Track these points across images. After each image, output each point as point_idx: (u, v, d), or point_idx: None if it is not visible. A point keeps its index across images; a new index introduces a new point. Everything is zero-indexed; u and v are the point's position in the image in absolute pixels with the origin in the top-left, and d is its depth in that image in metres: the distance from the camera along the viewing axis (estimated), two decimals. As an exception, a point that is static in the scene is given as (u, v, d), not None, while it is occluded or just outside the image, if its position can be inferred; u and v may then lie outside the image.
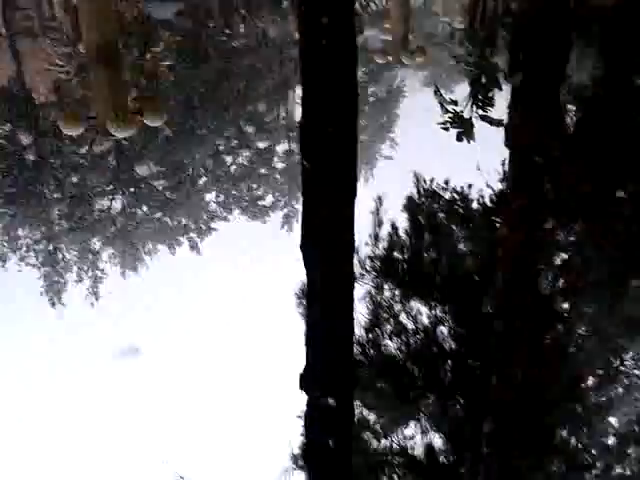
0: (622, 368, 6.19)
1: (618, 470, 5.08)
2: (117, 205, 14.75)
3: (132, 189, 14.37)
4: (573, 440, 5.44)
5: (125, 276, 14.98)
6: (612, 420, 5.77)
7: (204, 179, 13.35)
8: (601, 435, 5.52)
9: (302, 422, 3.67)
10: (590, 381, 6.00)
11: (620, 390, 6.15)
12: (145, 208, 14.34)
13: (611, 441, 5.45)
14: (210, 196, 14.05)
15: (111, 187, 14.75)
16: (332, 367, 3.50)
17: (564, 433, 5.36)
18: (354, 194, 4.01)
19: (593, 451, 5.36)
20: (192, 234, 14.06)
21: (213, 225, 13.95)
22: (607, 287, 6.28)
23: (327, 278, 3.72)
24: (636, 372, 6.33)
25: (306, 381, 3.56)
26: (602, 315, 6.26)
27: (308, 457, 3.52)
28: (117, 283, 14.70)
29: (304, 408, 3.73)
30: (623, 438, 5.23)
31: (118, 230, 14.81)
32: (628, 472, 4.99)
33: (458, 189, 7.32)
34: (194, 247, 14.30)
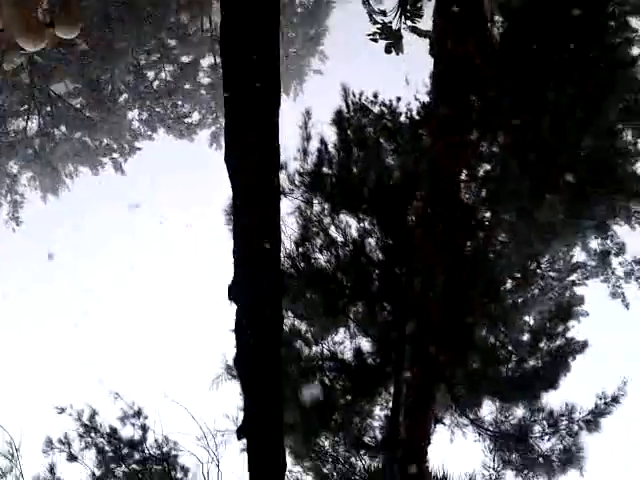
0: (538, 271, 6.55)
1: (531, 363, 5.48)
2: (33, 126, 13.91)
3: (48, 108, 13.53)
4: (492, 339, 5.80)
5: (46, 200, 14.39)
6: (527, 319, 6.17)
7: (125, 96, 12.69)
8: (517, 332, 5.90)
9: (233, 332, 3.70)
10: (508, 284, 6.34)
11: (536, 291, 6.55)
12: (63, 128, 13.58)
13: (526, 337, 5.85)
14: (132, 114, 13.44)
15: (25, 107, 13.83)
16: (259, 277, 3.52)
17: (483, 332, 5.70)
18: (278, 102, 3.90)
19: (509, 347, 5.73)
20: (115, 154, 13.51)
21: (137, 144, 13.45)
22: (526, 196, 6.51)
23: (252, 189, 3.67)
24: (551, 274, 6.73)
25: (234, 292, 3.57)
26: (521, 223, 6.51)
27: (239, 364, 3.59)
28: (39, 207, 14.12)
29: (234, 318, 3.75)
30: (536, 334, 5.60)
31: (36, 152, 14.05)
32: (540, 364, 5.39)
33: (387, 102, 7.27)
34: (118, 168, 13.80)
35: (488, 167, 6.92)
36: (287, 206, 6.39)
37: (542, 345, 5.58)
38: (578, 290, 6.45)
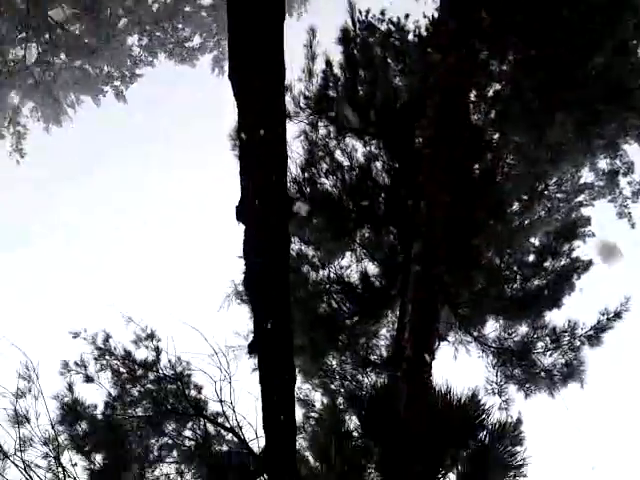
0: (545, 192, 6.51)
1: (536, 282, 5.54)
2: (32, 54, 13.60)
3: (47, 36, 13.17)
4: (497, 260, 5.83)
5: (49, 131, 14.26)
6: (533, 240, 6.19)
7: (124, 21, 12.31)
8: (522, 253, 5.93)
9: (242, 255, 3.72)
10: (515, 205, 6.32)
11: (542, 213, 6.54)
12: (63, 56, 13.27)
13: (531, 258, 5.88)
14: (132, 39, 13.07)
15: (23, 35, 13.46)
16: (265, 198, 3.50)
17: (489, 254, 5.73)
18: (282, 16, 3.76)
19: (514, 268, 5.78)
20: (116, 82, 13.26)
21: (138, 71, 13.16)
22: (536, 115, 6.38)
23: (257, 109, 3.60)
24: (558, 195, 6.69)
25: (241, 213, 3.56)
26: (530, 143, 6.41)
27: (248, 286, 3.65)
28: (42, 138, 14.01)
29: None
30: (541, 254, 5.63)
31: (36, 82, 13.81)
32: (544, 283, 5.45)
33: (394, 20, 7.02)
34: (119, 95, 13.57)
35: (498, 86, 6.75)
36: (292, 130, 6.31)
37: (547, 265, 5.61)
38: (585, 211, 6.43)
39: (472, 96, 6.61)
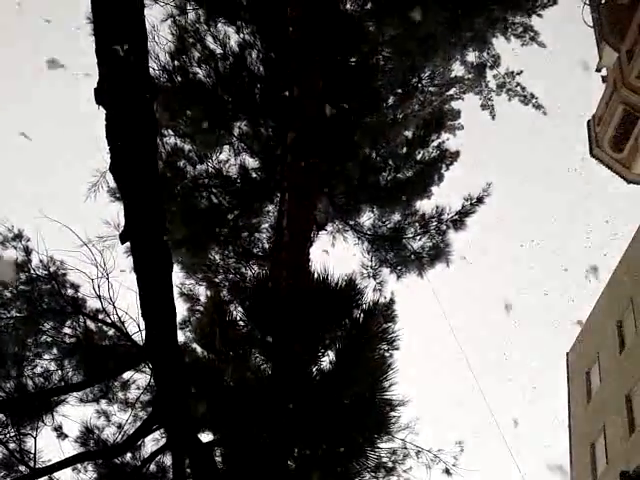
0: (419, 86, 6.67)
1: (407, 173, 5.79)
2: None
3: None
4: (371, 151, 5.99)
5: None
6: (406, 133, 6.39)
7: None
8: (395, 146, 6.13)
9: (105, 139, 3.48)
10: (390, 99, 6.43)
11: (416, 106, 6.73)
12: None
13: (404, 150, 6.09)
14: None
15: None
16: (124, 77, 3.27)
17: (363, 145, 5.86)
18: None
19: (388, 160, 5.98)
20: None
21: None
22: (411, 7, 6.38)
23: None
24: (431, 89, 6.90)
25: (101, 96, 3.31)
26: (404, 36, 6.45)
27: (115, 171, 3.45)
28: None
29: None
30: (412, 145, 5.85)
31: None
32: (415, 173, 5.70)
33: None
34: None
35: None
36: (158, 12, 5.88)
37: (417, 155, 5.85)
38: (455, 104, 6.70)
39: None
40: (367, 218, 5.81)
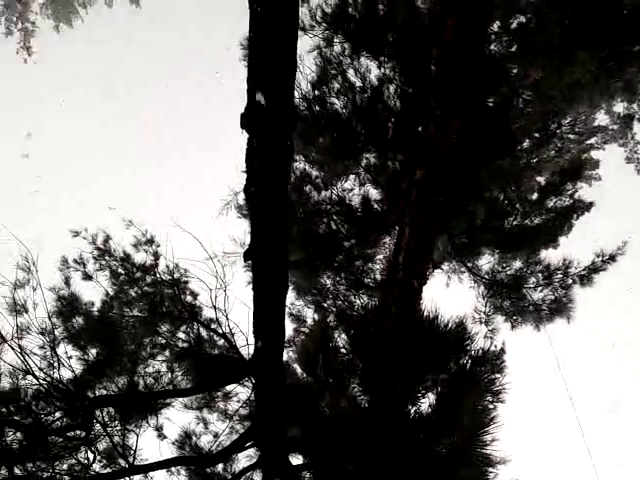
0: (558, 131, 6.40)
1: (535, 220, 5.54)
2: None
3: None
4: (499, 194, 5.81)
5: (59, 30, 13.89)
6: (539, 179, 6.15)
7: None
8: (526, 191, 5.90)
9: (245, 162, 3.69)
10: (526, 142, 6.23)
11: (552, 152, 6.45)
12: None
13: (534, 196, 5.85)
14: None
15: None
16: (272, 106, 3.44)
17: (492, 187, 5.70)
18: None
19: (516, 204, 5.77)
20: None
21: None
22: (558, 51, 6.19)
23: (270, 19, 3.48)
24: (570, 136, 6.59)
25: (247, 121, 3.51)
26: (548, 80, 6.25)
27: (248, 192, 3.63)
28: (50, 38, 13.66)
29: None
30: (545, 192, 5.60)
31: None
32: (543, 220, 5.44)
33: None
34: (133, 0, 13.14)
35: (523, 19, 6.53)
36: (306, 43, 6.14)
37: (549, 203, 5.60)
38: (595, 154, 6.35)
39: (495, 26, 6.41)
40: (486, 262, 5.63)
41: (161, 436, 5.22)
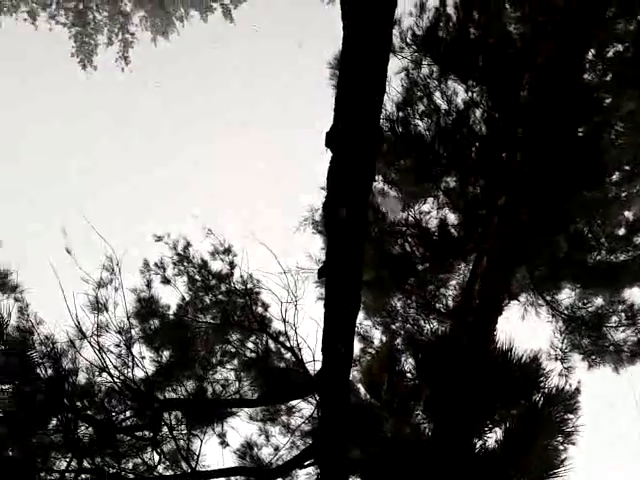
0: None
1: (621, 256, 5.29)
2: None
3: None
4: (585, 227, 5.59)
5: (156, 42, 14.58)
6: (627, 214, 5.88)
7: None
8: (613, 226, 5.65)
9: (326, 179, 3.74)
10: (616, 175, 5.98)
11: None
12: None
13: (621, 232, 5.60)
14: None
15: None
16: (358, 127, 3.48)
17: (577, 220, 5.50)
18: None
19: (602, 239, 5.53)
20: (225, 0, 13.28)
21: (248, -9, 13.13)
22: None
23: (363, 40, 3.53)
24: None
25: (331, 140, 3.56)
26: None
27: (327, 209, 3.66)
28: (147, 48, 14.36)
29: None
30: (633, 228, 5.35)
31: (149, -8, 14.04)
32: (630, 257, 5.19)
33: (517, -38, 6.59)
34: (227, 15, 13.61)
35: (620, 47, 6.30)
36: (394, 65, 6.16)
37: (636, 240, 5.33)
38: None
39: (590, 54, 6.21)
40: (566, 296, 5.41)
41: (224, 444, 5.30)
